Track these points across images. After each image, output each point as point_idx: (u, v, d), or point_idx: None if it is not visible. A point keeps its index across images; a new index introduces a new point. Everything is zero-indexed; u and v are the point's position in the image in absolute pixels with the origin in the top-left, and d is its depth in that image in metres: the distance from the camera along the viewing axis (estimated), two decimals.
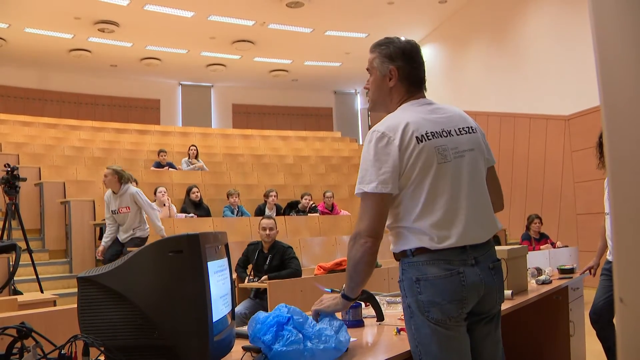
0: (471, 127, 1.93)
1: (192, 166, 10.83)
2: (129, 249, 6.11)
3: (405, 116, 1.84)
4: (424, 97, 1.97)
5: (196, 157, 10.99)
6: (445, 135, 1.84)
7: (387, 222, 1.86)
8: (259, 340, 1.72)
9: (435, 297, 1.76)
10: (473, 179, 1.86)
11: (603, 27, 0.86)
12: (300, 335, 1.71)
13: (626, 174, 0.82)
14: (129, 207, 6.15)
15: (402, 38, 1.99)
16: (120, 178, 6.13)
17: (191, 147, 11.08)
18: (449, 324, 1.77)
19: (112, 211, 6.18)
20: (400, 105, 1.93)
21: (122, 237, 6.22)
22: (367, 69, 2.01)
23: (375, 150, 1.78)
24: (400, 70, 1.92)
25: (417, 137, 1.79)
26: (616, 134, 0.84)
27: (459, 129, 1.89)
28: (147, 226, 6.30)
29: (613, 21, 0.85)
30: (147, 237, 6.28)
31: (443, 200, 1.79)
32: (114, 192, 6.17)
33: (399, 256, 1.86)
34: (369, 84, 2.01)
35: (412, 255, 1.81)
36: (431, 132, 1.82)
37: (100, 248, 6.22)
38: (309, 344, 1.70)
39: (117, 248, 6.18)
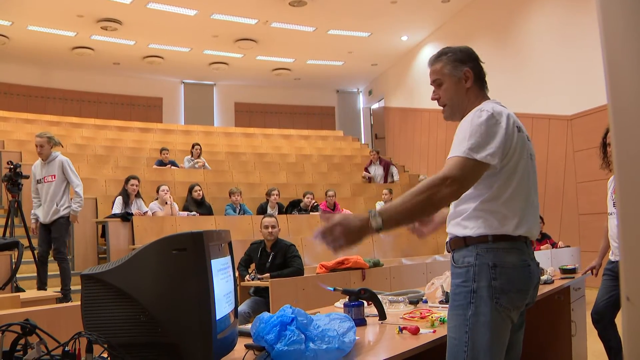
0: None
1: (192, 162, 10.84)
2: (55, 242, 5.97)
3: (501, 108, 1.92)
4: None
5: (199, 156, 10.99)
6: (525, 136, 1.97)
7: (471, 205, 1.88)
8: (262, 339, 1.73)
9: (509, 285, 1.82)
10: (536, 181, 2.01)
11: (611, 26, 0.86)
12: (303, 336, 1.71)
13: (633, 173, 0.82)
14: (54, 176, 5.99)
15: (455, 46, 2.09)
16: (53, 145, 6.02)
17: (195, 146, 11.08)
18: (511, 314, 1.85)
19: (37, 181, 6.00)
20: (481, 103, 1.98)
21: (46, 216, 5.97)
22: (434, 81, 2.06)
23: (486, 125, 1.82)
24: (474, 70, 2.01)
25: (517, 127, 1.90)
26: (623, 133, 0.84)
27: (527, 135, 2.00)
28: (69, 203, 6.10)
29: (621, 20, 0.85)
30: (69, 215, 6.10)
31: (525, 190, 1.91)
32: (42, 160, 6.02)
33: (474, 241, 1.86)
34: (437, 94, 2.06)
35: (492, 240, 1.84)
36: (521, 128, 1.95)
37: (33, 226, 6.03)
38: (311, 345, 1.70)
39: (46, 236, 6.00)
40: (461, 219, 1.90)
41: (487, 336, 1.79)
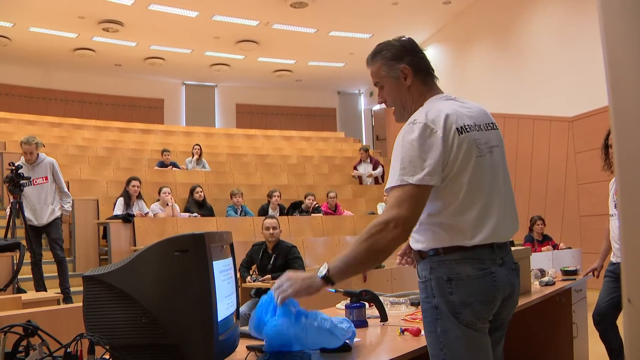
0: (494, 123, 1.88)
1: (192, 159, 10.85)
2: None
3: (441, 107, 1.76)
4: (442, 91, 1.90)
5: (200, 156, 10.99)
6: (478, 129, 1.78)
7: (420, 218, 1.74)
8: (260, 321, 1.75)
9: (468, 298, 1.68)
10: (502, 174, 1.83)
11: (612, 28, 0.86)
12: (295, 310, 1.72)
13: (634, 174, 0.82)
14: (46, 177, 5.95)
15: (392, 39, 1.94)
16: (39, 147, 5.99)
17: (195, 146, 11.08)
18: (478, 326, 1.71)
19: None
20: (426, 100, 1.84)
21: (42, 218, 5.90)
22: (376, 84, 1.93)
23: (419, 141, 1.67)
24: (412, 64, 1.85)
25: (457, 129, 1.71)
26: (624, 134, 0.84)
27: (486, 124, 1.83)
28: (59, 204, 6.06)
29: (622, 22, 0.85)
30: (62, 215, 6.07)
31: (479, 195, 1.73)
32: (27, 163, 5.95)
33: (427, 254, 1.75)
34: (382, 97, 1.92)
35: (443, 253, 1.72)
36: (468, 125, 1.75)
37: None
38: (303, 319, 1.72)
39: (39, 238, 5.92)
40: (414, 232, 1.77)
41: (464, 351, 1.69)
